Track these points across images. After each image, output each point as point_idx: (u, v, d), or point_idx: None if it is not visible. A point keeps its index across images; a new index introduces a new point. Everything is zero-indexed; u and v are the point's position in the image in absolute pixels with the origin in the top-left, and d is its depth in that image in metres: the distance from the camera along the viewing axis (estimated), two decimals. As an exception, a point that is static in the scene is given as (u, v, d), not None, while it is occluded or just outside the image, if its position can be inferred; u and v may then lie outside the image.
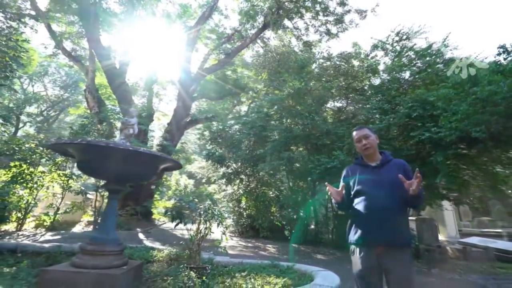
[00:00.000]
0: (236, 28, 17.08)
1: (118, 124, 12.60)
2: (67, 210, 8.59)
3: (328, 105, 8.34)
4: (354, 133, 2.20)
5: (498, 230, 9.84)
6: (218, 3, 15.81)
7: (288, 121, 7.03)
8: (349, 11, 14.55)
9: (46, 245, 4.78)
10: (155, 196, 13.25)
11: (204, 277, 3.22)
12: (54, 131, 19.49)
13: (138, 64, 15.83)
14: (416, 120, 5.11)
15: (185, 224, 3.65)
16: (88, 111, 13.30)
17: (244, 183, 10.03)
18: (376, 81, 8.00)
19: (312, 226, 9.38)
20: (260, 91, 10.74)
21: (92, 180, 9.44)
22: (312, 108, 6.59)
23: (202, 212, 3.75)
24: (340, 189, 1.99)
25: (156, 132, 19.50)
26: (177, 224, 3.71)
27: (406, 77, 6.55)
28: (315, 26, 16.57)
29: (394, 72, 6.87)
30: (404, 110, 5.29)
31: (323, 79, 7.61)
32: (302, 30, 17.15)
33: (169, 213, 3.89)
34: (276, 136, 6.62)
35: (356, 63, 7.84)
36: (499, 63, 4.16)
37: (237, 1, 17.50)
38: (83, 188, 9.12)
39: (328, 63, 8.39)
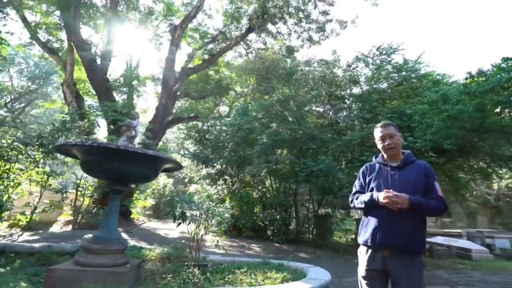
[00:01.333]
0: (221, 29, 17.22)
1: (99, 121, 12.26)
2: (46, 209, 8.29)
3: (311, 111, 8.81)
4: (378, 130, 2.02)
5: (458, 230, 10.89)
6: (203, 3, 15.81)
7: (275, 125, 7.38)
8: (330, 21, 15.26)
9: (36, 245, 4.70)
10: (135, 195, 13.02)
11: (208, 274, 3.43)
12: (27, 124, 18.36)
13: (120, 60, 15.37)
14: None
15: (188, 224, 3.82)
16: (66, 106, 12.78)
17: (227, 183, 10.22)
18: (356, 90, 8.59)
19: (292, 226, 9.80)
20: (247, 94, 10.98)
21: (72, 178, 9.17)
22: (299, 114, 7.00)
23: (203, 212, 3.95)
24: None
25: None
26: (179, 224, 3.87)
27: (385, 89, 7.16)
28: (297, 32, 17.16)
29: (373, 83, 7.46)
30: (384, 120, 5.82)
31: (309, 86, 8.05)
32: (285, 35, 17.71)
33: (172, 213, 4.03)
34: (264, 139, 6.92)
35: (340, 73, 8.38)
36: (466, 85, 4.80)
37: (221, 1, 17.63)
38: (61, 187, 8.82)
39: (311, 68, 8.83)
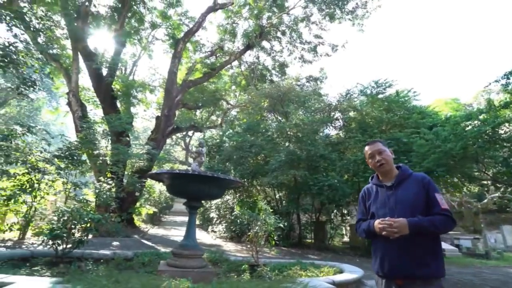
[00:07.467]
0: (218, 43, 18.22)
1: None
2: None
3: (318, 132, 10.13)
4: (367, 148, 1.96)
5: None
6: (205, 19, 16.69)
7: (291, 145, 8.51)
8: (323, 43, 16.92)
9: (107, 252, 5.41)
10: (138, 203, 13.45)
11: (277, 271, 4.46)
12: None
13: (124, 69, 15.74)
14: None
15: (254, 233, 4.81)
16: (70, 114, 12.98)
17: (236, 194, 11.19)
18: (353, 114, 10.06)
19: (295, 232, 10.96)
20: (260, 114, 12.07)
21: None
22: (312, 136, 8.24)
23: (261, 223, 4.98)
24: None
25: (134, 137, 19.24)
26: (242, 235, 4.85)
27: (383, 118, 8.63)
28: (289, 50, 18.71)
29: (369, 109, 8.92)
30: (384, 144, 7.24)
31: (318, 111, 9.36)
32: (278, 52, 19.18)
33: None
34: (282, 157, 8.06)
35: (341, 99, 9.78)
36: (454, 129, 6.36)
37: (215, 14, 18.56)
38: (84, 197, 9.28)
39: (321, 98, 10.23)
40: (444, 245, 9.84)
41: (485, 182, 8.66)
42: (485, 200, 17.10)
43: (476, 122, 5.99)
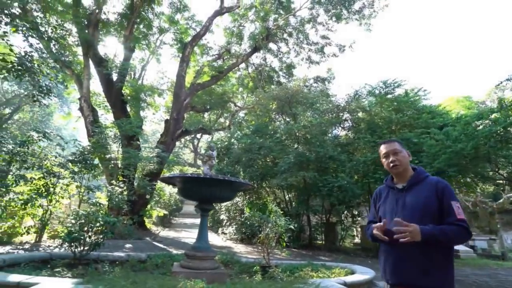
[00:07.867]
0: (226, 46, 18.39)
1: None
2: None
3: (327, 133, 10.13)
4: (382, 147, 1.86)
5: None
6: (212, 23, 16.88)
7: (301, 147, 8.54)
8: (330, 44, 16.90)
9: (122, 254, 5.53)
10: (149, 205, 13.65)
11: (288, 272, 4.49)
12: (12, 131, 18.34)
13: (134, 74, 16.02)
14: (402, 154, 7.06)
15: (265, 234, 4.85)
16: (82, 118, 13.30)
17: (245, 196, 11.24)
18: (362, 115, 10.00)
19: (305, 233, 10.94)
20: (268, 116, 12.14)
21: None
22: (321, 138, 8.26)
23: (272, 224, 5.01)
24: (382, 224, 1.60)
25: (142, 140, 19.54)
26: (252, 237, 4.90)
27: (392, 119, 8.58)
28: (296, 51, 18.73)
29: (377, 109, 8.86)
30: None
31: (327, 112, 9.38)
32: (285, 54, 19.22)
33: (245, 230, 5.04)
34: (291, 159, 8.09)
35: (349, 99, 9.77)
36: (465, 129, 6.29)
37: (221, 17, 18.71)
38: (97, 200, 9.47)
39: (329, 99, 10.25)
40: (459, 246, 9.66)
41: (500, 181, 8.51)
42: (501, 200, 16.67)
43: (487, 121, 5.94)
